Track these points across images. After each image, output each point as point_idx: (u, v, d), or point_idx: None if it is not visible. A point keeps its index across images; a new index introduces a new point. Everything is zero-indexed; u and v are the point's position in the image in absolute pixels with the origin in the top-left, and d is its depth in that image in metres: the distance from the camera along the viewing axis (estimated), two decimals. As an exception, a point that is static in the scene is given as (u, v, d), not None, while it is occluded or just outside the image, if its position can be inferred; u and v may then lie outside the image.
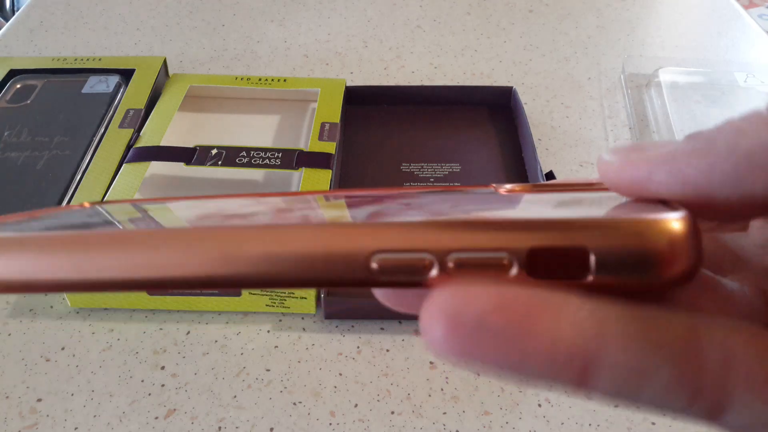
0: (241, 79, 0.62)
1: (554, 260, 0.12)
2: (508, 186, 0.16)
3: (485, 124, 0.60)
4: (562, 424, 0.39)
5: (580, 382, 0.11)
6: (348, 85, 0.61)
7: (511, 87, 0.61)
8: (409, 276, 0.12)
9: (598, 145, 0.59)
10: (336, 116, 0.57)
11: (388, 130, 0.60)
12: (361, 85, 0.62)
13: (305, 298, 0.43)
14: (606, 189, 0.15)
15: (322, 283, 0.12)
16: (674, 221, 0.12)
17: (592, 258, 0.12)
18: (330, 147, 0.54)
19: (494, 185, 0.17)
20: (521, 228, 0.12)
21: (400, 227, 0.12)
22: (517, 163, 0.56)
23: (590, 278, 0.12)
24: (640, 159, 0.14)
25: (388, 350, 0.43)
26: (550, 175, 0.52)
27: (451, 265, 0.12)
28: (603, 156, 0.14)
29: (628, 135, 0.60)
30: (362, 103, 0.62)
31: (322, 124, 0.56)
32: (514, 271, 0.12)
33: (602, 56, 0.71)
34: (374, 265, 0.12)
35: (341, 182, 0.54)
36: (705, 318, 0.12)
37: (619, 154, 0.14)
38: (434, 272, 0.12)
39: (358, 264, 0.12)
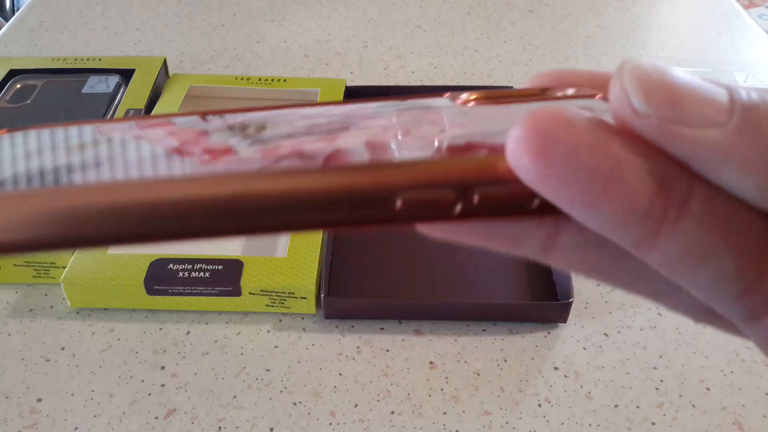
0: (241, 79, 0.62)
1: None
2: (464, 96, 0.16)
3: None
4: (562, 424, 0.39)
5: (644, 240, 0.12)
6: (348, 85, 0.61)
7: (511, 87, 0.61)
8: (435, 212, 0.13)
9: (598, 145, 0.59)
10: None
11: None
12: (362, 85, 0.62)
13: (305, 298, 0.43)
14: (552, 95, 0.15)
15: (346, 223, 0.13)
16: None
17: None
18: None
19: (449, 93, 0.16)
20: None
21: (424, 165, 0.13)
22: None
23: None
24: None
25: (388, 350, 0.43)
26: None
27: (476, 200, 0.12)
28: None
29: (628, 135, 0.60)
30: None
31: None
32: (536, 202, 0.12)
33: (602, 56, 0.71)
34: (398, 204, 0.12)
35: None
36: None
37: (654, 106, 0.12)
38: (458, 208, 0.13)
39: (383, 203, 0.12)
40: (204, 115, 0.15)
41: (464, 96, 0.16)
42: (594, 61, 0.69)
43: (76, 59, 0.63)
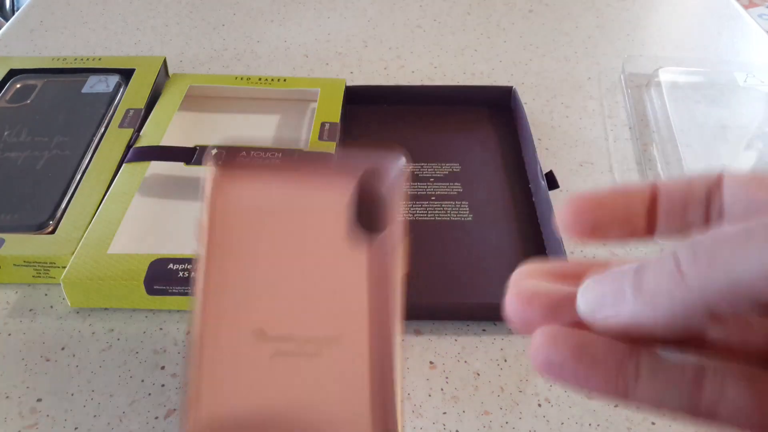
0: (241, 78, 0.62)
1: None
2: None
3: (485, 124, 0.60)
4: (562, 424, 0.39)
5: (622, 397, 0.17)
6: (348, 84, 0.61)
7: (511, 87, 0.61)
8: None
9: (598, 145, 0.59)
10: (336, 116, 0.57)
11: (389, 129, 0.60)
12: (362, 85, 0.62)
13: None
14: None
15: None
16: None
17: None
18: (330, 147, 0.54)
19: None
20: None
21: None
22: (517, 162, 0.56)
23: None
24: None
25: (388, 350, 0.43)
26: (550, 175, 0.52)
27: None
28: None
29: (628, 135, 0.60)
30: (363, 102, 0.62)
31: (322, 124, 0.56)
32: None
33: (602, 56, 0.71)
34: None
35: None
36: (714, 364, 0.17)
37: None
38: None
39: None
40: None
41: None
42: (594, 61, 0.69)
43: (76, 59, 0.63)
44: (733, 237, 0.14)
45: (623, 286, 0.16)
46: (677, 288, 0.15)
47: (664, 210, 0.19)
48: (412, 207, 0.52)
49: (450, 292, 0.45)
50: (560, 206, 0.19)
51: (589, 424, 0.39)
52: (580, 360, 0.17)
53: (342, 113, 0.58)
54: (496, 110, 0.61)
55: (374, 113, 0.61)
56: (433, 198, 0.52)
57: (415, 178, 0.54)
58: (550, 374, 0.17)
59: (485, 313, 0.44)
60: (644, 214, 0.19)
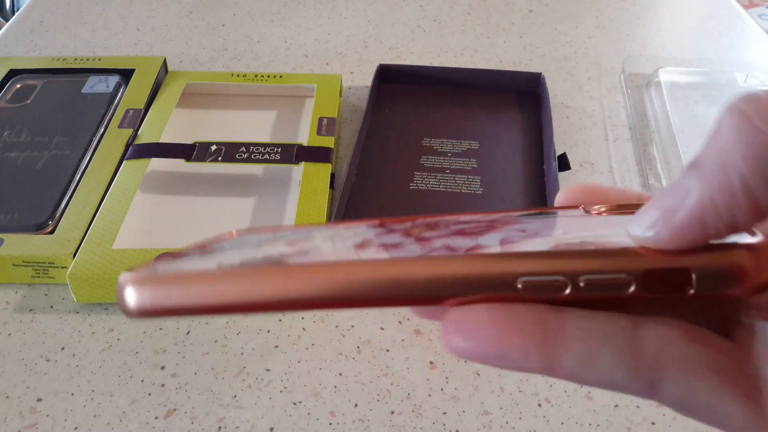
0: (238, 75, 0.62)
1: (663, 279, 0.15)
2: (596, 207, 0.19)
3: (510, 108, 0.62)
4: (562, 424, 0.39)
5: (549, 368, 0.15)
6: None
7: (540, 73, 0.63)
8: (550, 294, 0.16)
9: (598, 145, 0.59)
10: (333, 111, 0.57)
11: (416, 107, 0.62)
12: (395, 64, 0.64)
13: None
14: None
15: (474, 299, 0.16)
16: (753, 245, 0.15)
17: (693, 276, 0.15)
18: (329, 141, 0.54)
19: (583, 206, 0.20)
20: (638, 254, 0.16)
21: (543, 256, 0.16)
22: (535, 145, 0.57)
23: (691, 292, 0.15)
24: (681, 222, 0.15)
25: (388, 350, 0.43)
26: (563, 157, 0.53)
27: (582, 284, 0.15)
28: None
29: (628, 135, 0.60)
30: (395, 81, 0.64)
31: (320, 119, 0.56)
32: (632, 288, 0.15)
33: (602, 56, 0.71)
34: (519, 285, 0.16)
35: (363, 152, 0.56)
36: (649, 318, 0.16)
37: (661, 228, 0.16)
38: (568, 291, 0.16)
39: (508, 284, 0.16)
40: (381, 223, 0.19)
41: (597, 207, 0.19)
42: (594, 61, 0.69)
43: (76, 59, 0.63)
44: None
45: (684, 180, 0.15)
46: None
47: None
48: (426, 178, 0.54)
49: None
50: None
51: (589, 424, 0.39)
52: (495, 323, 0.15)
53: (372, 90, 0.61)
54: (524, 96, 0.63)
55: (405, 91, 0.63)
56: (447, 171, 0.54)
57: (433, 152, 0.56)
58: (460, 342, 0.15)
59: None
60: None
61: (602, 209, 0.19)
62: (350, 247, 0.18)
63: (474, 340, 0.15)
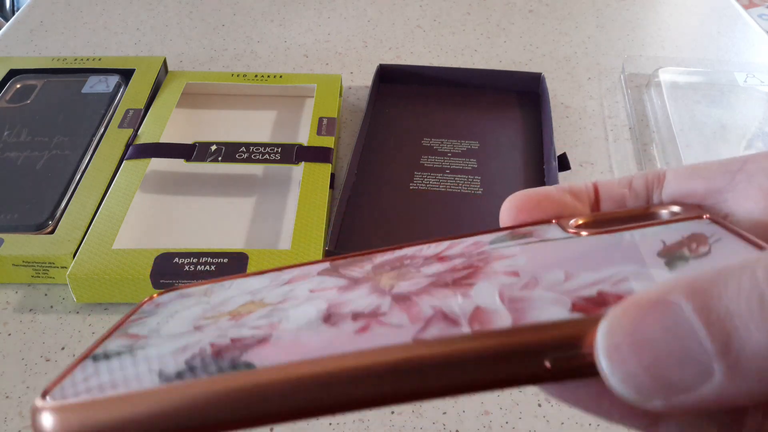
0: (238, 75, 0.62)
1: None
2: (572, 223, 0.17)
3: (510, 108, 0.62)
4: (562, 424, 0.39)
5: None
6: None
7: (540, 73, 0.63)
8: (580, 371, 0.13)
9: (598, 145, 0.59)
10: (333, 111, 0.57)
11: (416, 107, 0.62)
12: (396, 64, 0.64)
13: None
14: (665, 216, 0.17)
15: (503, 386, 0.13)
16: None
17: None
18: (329, 141, 0.54)
19: (555, 220, 0.17)
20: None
21: (569, 326, 0.13)
22: (535, 145, 0.57)
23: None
24: None
25: (388, 350, 0.42)
26: (563, 157, 0.53)
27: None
28: None
29: (628, 135, 0.60)
30: (395, 81, 0.64)
31: (320, 119, 0.56)
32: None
33: (602, 56, 0.71)
34: (547, 364, 0.13)
35: (363, 152, 0.56)
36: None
37: None
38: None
39: (535, 365, 0.13)
40: (334, 262, 0.16)
41: (573, 222, 0.17)
42: (594, 61, 0.69)
43: (76, 59, 0.63)
44: None
45: (708, 361, 0.12)
46: None
47: (606, 207, 0.19)
48: (426, 178, 0.54)
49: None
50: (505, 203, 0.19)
51: (589, 424, 0.39)
52: None
53: (373, 89, 0.61)
54: (524, 96, 0.63)
55: (406, 91, 0.63)
56: (447, 171, 0.54)
57: (434, 152, 0.56)
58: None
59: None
60: (590, 212, 0.19)
61: (580, 222, 0.17)
62: (316, 320, 0.14)
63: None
